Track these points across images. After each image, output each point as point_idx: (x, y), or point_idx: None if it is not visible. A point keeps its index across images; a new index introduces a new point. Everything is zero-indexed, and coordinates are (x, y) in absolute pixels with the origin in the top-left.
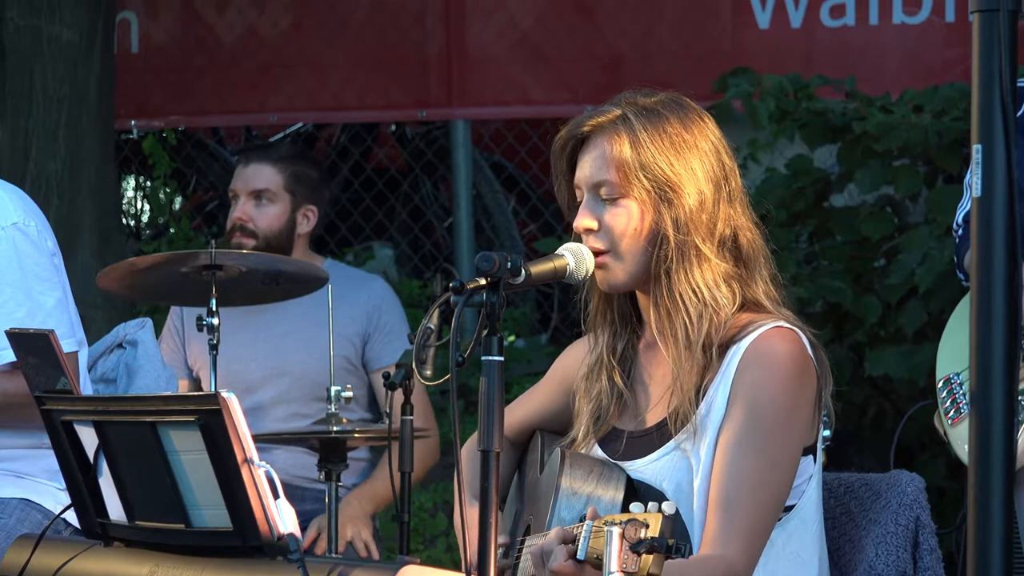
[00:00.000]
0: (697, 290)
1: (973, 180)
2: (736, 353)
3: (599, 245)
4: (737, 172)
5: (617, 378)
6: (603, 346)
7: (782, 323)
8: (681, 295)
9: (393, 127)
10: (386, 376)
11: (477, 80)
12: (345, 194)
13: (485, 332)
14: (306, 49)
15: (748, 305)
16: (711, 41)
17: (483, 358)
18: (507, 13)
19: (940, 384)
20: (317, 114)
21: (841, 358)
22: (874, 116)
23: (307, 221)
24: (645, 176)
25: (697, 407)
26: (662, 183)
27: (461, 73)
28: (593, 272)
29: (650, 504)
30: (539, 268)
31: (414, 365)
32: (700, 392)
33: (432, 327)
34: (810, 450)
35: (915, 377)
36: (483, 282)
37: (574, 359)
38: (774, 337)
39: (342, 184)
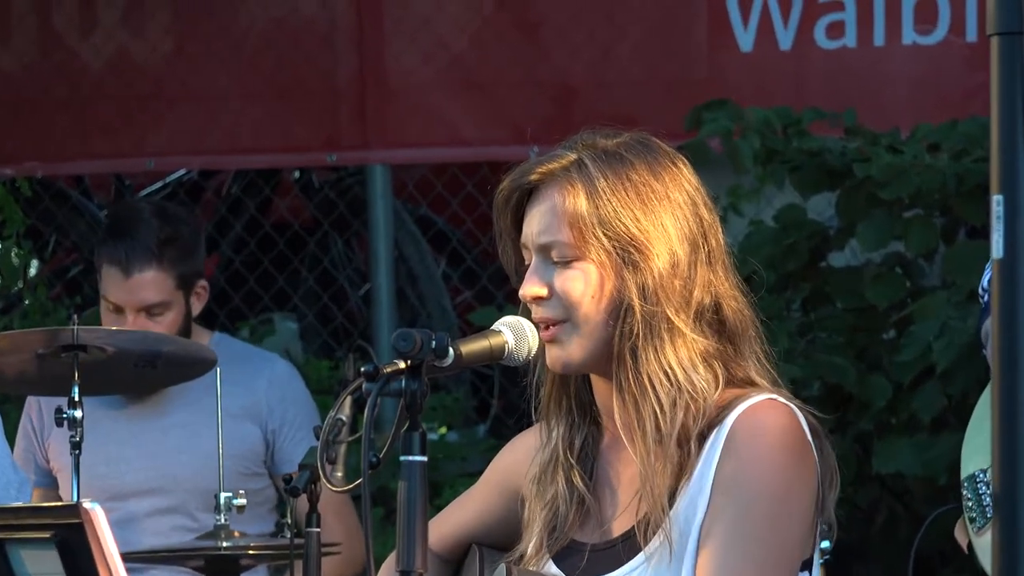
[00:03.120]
0: (669, 372)
1: (994, 238)
2: (719, 435)
3: (551, 315)
4: (719, 228)
5: (577, 480)
6: (558, 441)
7: (775, 396)
8: (650, 378)
9: (296, 174)
10: (287, 480)
11: (398, 115)
12: (238, 256)
13: (405, 427)
14: (190, 79)
15: (736, 383)
16: (682, 67)
17: (402, 458)
18: (434, 33)
19: (965, 484)
20: (204, 158)
21: (844, 452)
22: (880, 157)
23: (200, 298)
24: (605, 234)
25: (671, 510)
26: (625, 243)
27: (379, 107)
28: (539, 351)
29: None
30: (471, 347)
31: (320, 466)
32: (675, 494)
33: (343, 419)
34: (806, 565)
35: (933, 474)
36: (401, 365)
37: (520, 455)
38: (764, 409)
39: (235, 244)
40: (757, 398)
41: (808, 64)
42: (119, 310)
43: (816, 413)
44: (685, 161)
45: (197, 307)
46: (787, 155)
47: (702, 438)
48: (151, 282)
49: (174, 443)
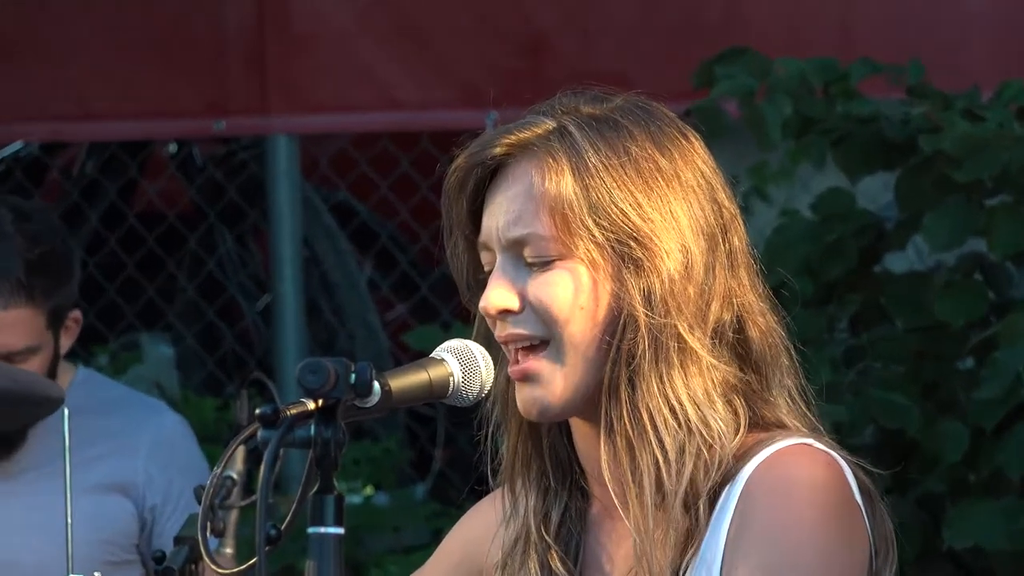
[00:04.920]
0: (677, 407)
1: None
2: (731, 492)
3: (524, 332)
4: (741, 222)
5: (555, 562)
6: (528, 514)
7: (810, 440)
8: (651, 415)
9: (172, 148)
10: (158, 558)
11: (308, 70)
12: (94, 256)
13: (315, 488)
14: (29, 25)
15: (761, 427)
16: (689, 7)
17: (311, 530)
18: None
19: None
20: (48, 127)
21: (906, 520)
22: (954, 125)
23: (70, 333)
24: (598, 224)
25: None
26: (625, 235)
27: (282, 59)
28: (497, 387)
29: None
30: (404, 382)
31: (201, 539)
32: (681, 571)
33: (234, 477)
34: None
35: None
36: (311, 406)
37: (482, 528)
38: (793, 456)
39: (89, 240)
40: (784, 443)
41: (858, 2)
42: None
43: (868, 467)
44: (696, 134)
45: (66, 344)
46: (829, 123)
47: (713, 498)
48: (18, 323)
49: (20, 520)
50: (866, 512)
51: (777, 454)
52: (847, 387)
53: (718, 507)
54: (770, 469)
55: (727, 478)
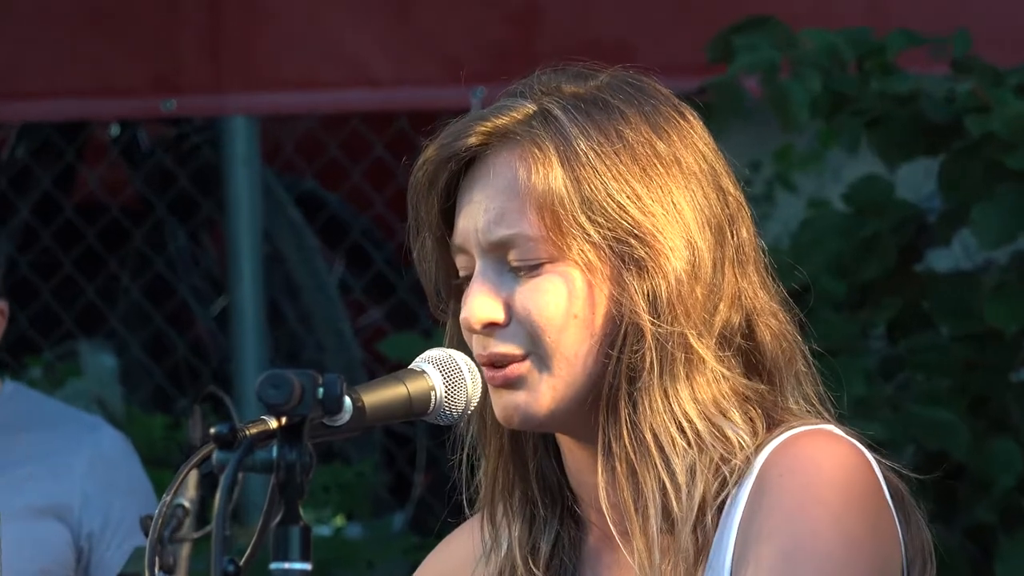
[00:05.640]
0: (687, 424)
1: None
2: (742, 488)
3: (509, 350)
4: (747, 208)
5: None
6: (513, 545)
7: (830, 427)
8: (656, 435)
9: (115, 130)
10: None
11: (271, 43)
12: (26, 254)
13: (278, 518)
14: None
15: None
16: None
17: (273, 566)
18: None
19: None
20: None
21: (952, 550)
22: (1006, 104)
23: None
24: (593, 221)
25: None
26: (625, 232)
27: (241, 30)
28: (482, 403)
29: None
30: (379, 397)
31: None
32: None
33: (186, 505)
34: None
35: None
36: (273, 424)
37: (458, 561)
38: (813, 436)
39: (21, 235)
40: (801, 428)
41: None
42: None
43: (903, 471)
44: (693, 112)
45: None
46: (863, 102)
47: (721, 503)
48: None
49: None
50: (898, 517)
51: (793, 437)
52: (884, 402)
53: (726, 510)
54: (785, 451)
55: (738, 479)
